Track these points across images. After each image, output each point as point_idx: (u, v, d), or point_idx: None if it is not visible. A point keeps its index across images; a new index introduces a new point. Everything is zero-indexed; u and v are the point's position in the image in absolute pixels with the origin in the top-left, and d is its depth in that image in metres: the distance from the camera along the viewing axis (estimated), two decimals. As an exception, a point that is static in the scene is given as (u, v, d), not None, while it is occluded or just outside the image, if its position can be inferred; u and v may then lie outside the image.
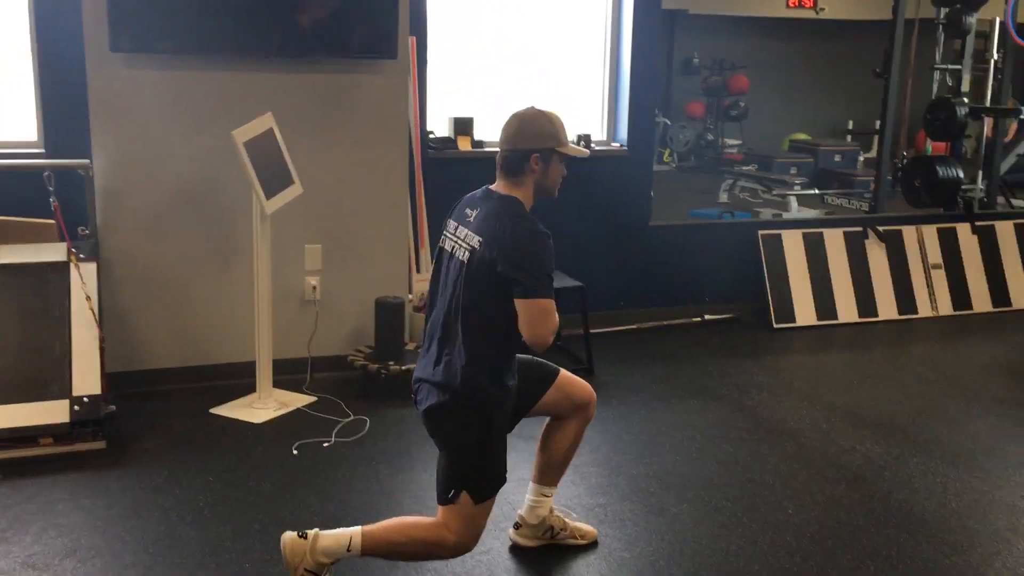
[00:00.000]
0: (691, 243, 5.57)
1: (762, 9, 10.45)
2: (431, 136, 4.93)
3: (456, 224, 2.60)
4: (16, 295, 3.72)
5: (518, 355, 2.61)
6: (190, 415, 3.89)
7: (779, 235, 5.59)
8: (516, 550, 2.91)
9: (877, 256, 5.74)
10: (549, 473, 2.89)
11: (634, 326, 5.26)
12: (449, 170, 4.93)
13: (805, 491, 3.36)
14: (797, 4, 10.37)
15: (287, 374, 4.22)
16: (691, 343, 5.11)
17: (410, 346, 4.41)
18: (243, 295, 4.14)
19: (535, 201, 2.59)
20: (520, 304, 2.42)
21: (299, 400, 4.06)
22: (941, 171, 6.07)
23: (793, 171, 8.89)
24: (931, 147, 7.73)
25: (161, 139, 4.06)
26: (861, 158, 9.82)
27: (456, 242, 2.56)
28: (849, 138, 10.67)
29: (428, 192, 4.81)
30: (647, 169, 5.45)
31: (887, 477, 3.51)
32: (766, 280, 5.47)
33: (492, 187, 2.61)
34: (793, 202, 7.64)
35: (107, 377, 3.69)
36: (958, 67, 6.19)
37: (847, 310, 5.56)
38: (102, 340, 3.68)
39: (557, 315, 2.45)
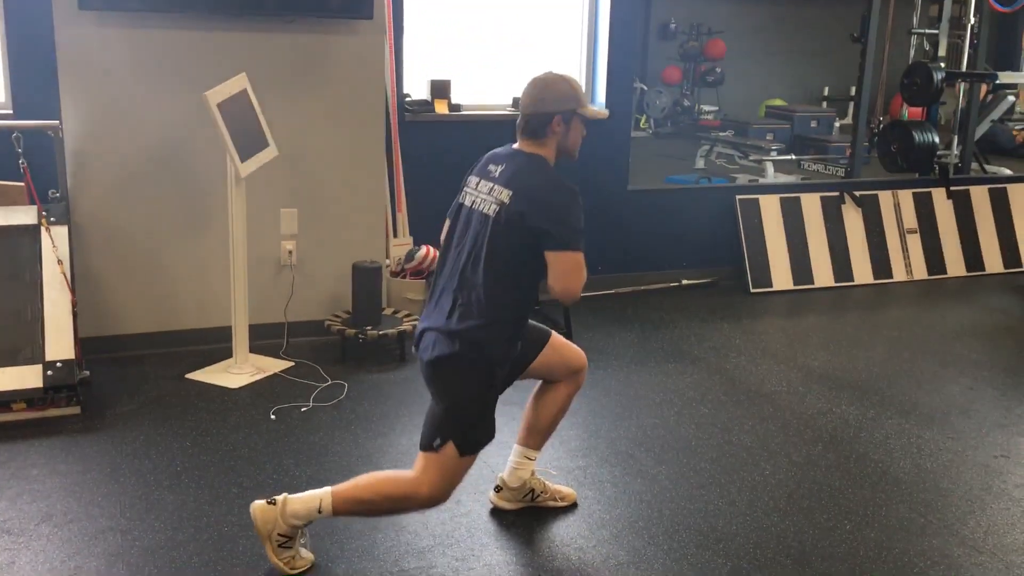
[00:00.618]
0: (669, 208, 5.56)
1: (739, -27, 10.39)
2: (408, 99, 4.87)
3: (479, 179, 2.62)
4: (-15, 259, 3.66)
5: None
6: (165, 380, 3.86)
7: (756, 200, 5.59)
8: (496, 512, 2.91)
9: (853, 221, 5.77)
10: (534, 436, 2.90)
11: (612, 291, 5.26)
12: (426, 133, 4.88)
13: (782, 452, 3.39)
14: (775, -32, 10.31)
15: (264, 339, 4.19)
16: (669, 307, 5.12)
17: (388, 311, 4.38)
18: (218, 259, 4.09)
19: (557, 160, 2.61)
20: (552, 257, 2.46)
21: (276, 365, 4.03)
22: (917, 136, 6.10)
23: (769, 137, 8.89)
24: (907, 112, 7.76)
25: (132, 100, 3.98)
26: (837, 124, 9.83)
27: (480, 197, 2.58)
28: (825, 104, 10.68)
29: (405, 156, 4.76)
30: (625, 134, 5.42)
31: (863, 438, 3.55)
32: (743, 245, 5.48)
33: (515, 145, 2.64)
34: (769, 168, 7.65)
35: (81, 342, 3.64)
36: (935, 32, 6.20)
37: (823, 274, 5.59)
38: (75, 304, 3.63)
39: (585, 269, 2.49)
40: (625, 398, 3.89)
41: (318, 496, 2.52)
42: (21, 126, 3.86)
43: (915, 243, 5.88)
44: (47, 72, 3.93)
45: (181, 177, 4.11)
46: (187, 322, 4.21)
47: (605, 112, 2.76)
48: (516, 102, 5.07)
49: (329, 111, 4.28)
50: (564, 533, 2.83)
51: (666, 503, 3.01)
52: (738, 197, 5.56)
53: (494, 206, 2.52)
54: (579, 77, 5.34)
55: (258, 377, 3.90)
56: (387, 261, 4.62)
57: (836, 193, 5.79)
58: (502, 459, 3.24)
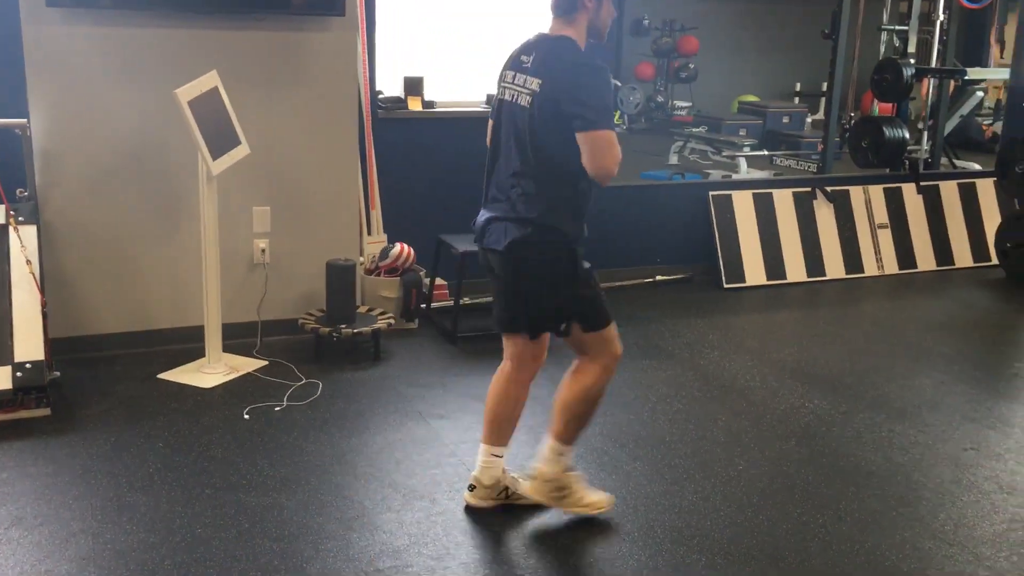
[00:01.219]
0: (642, 204, 5.57)
1: (712, -30, 10.42)
2: (381, 96, 4.85)
3: (513, 73, 2.66)
4: (-49, 259, 3.60)
5: None
6: (137, 381, 3.82)
7: (729, 196, 5.62)
8: (472, 510, 2.90)
9: (825, 216, 5.81)
10: (499, 433, 2.87)
11: (587, 287, 5.26)
12: (400, 130, 4.86)
13: (755, 447, 3.41)
14: (747, -35, 10.35)
15: (236, 338, 4.16)
16: (643, 304, 5.14)
17: (362, 309, 4.36)
18: (190, 258, 4.06)
19: (587, 42, 2.64)
20: (582, 137, 2.50)
21: (249, 364, 4.00)
22: (887, 132, 6.15)
23: (742, 132, 8.93)
24: (878, 108, 7.82)
25: (102, 98, 3.93)
26: (809, 119, 9.89)
27: (516, 89, 2.62)
28: (797, 100, 10.74)
29: (378, 153, 4.74)
30: (599, 130, 5.42)
31: (835, 433, 3.58)
32: (717, 241, 5.51)
33: (542, 31, 2.67)
34: (742, 163, 7.68)
35: (50, 343, 3.60)
36: (905, 28, 6.25)
37: (796, 270, 5.63)
38: (44, 305, 3.58)
39: (618, 146, 2.52)
40: (600, 395, 3.89)
41: (549, 449, 2.78)
42: (-13, 124, 3.81)
43: (886, 238, 5.94)
44: (14, 70, 3.87)
45: (152, 175, 4.07)
46: (159, 322, 4.17)
47: None
48: (489, 99, 5.07)
49: (301, 108, 4.26)
50: (540, 531, 2.83)
51: (640, 499, 3.02)
52: (711, 193, 5.59)
53: (527, 96, 2.57)
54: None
55: (231, 377, 3.88)
56: (361, 259, 4.60)
57: (808, 189, 5.83)
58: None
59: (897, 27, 6.19)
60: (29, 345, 3.44)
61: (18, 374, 3.36)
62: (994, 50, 6.83)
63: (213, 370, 3.90)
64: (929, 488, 3.17)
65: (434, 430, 3.47)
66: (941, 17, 6.59)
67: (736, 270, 5.50)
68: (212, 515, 2.81)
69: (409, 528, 2.79)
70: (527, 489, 2.82)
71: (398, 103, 4.88)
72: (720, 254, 5.49)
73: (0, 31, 3.95)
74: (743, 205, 5.63)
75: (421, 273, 4.62)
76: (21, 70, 3.82)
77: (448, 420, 3.57)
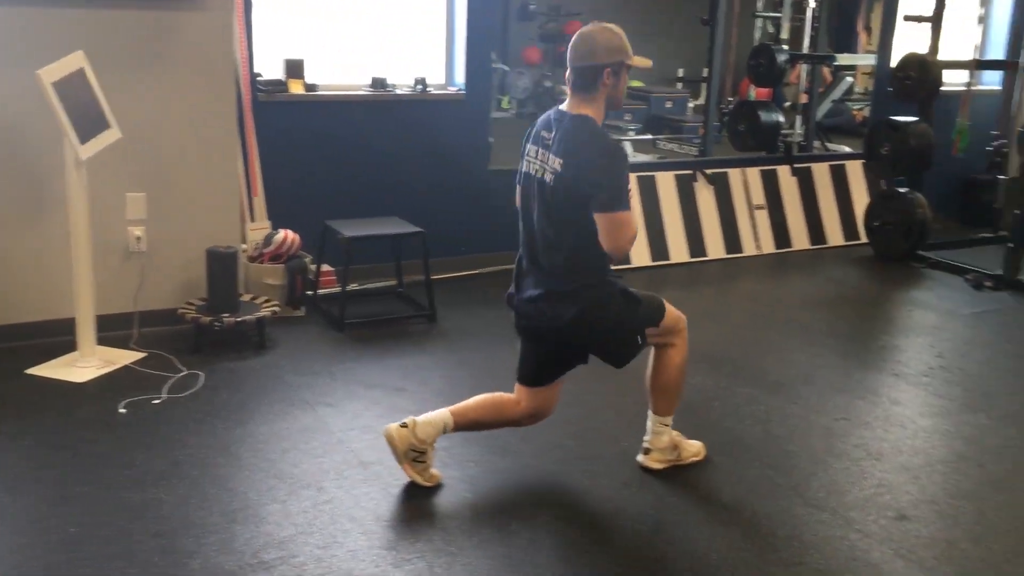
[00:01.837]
0: (530, 188, 5.60)
1: (594, -45, 10.53)
2: (260, 78, 4.73)
3: (536, 148, 2.79)
4: None
5: None
6: (3, 377, 3.63)
7: (614, 179, 5.70)
8: (361, 498, 2.88)
9: (706, 198, 5.97)
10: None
11: (476, 271, 5.27)
12: (282, 114, 4.76)
13: (640, 424, 3.46)
14: (629, -49, 10.50)
15: (112, 330, 4.00)
16: (531, 286, 5.17)
17: (245, 297, 4.26)
18: (59, 247, 3.87)
19: (605, 114, 2.78)
20: (599, 218, 2.66)
21: (126, 357, 3.86)
22: (763, 116, 6.36)
23: (627, 117, 9.09)
24: (755, 94, 8.08)
25: (-44, 79, 3.71)
26: (691, 104, 10.14)
27: (540, 165, 2.77)
28: (680, 85, 10.99)
29: (260, 137, 4.63)
30: (484, 115, 5.43)
31: (716, 407, 3.69)
32: (602, 223, 5.58)
33: (563, 107, 2.77)
34: (628, 147, 7.82)
35: (-95, 340, 3.39)
36: (778, 15, 6.46)
37: (679, 251, 5.77)
38: None
39: (635, 224, 2.72)
40: (490, 377, 3.88)
41: (656, 422, 3.06)
42: None
43: (763, 218, 6.14)
44: None
45: (15, 161, 3.86)
46: (26, 315, 3.97)
47: (649, 61, 2.91)
48: (376, 82, 5.01)
49: (176, 91, 4.11)
50: (429, 515, 2.83)
51: (530, 479, 3.06)
52: (596, 176, 5.66)
53: (550, 174, 2.72)
54: (438, 57, 5.32)
55: (107, 370, 3.73)
56: (244, 246, 4.49)
57: (689, 171, 5.98)
58: (365, 444, 3.23)
59: (771, 14, 6.40)
60: None
61: None
62: (862, 37, 7.13)
63: (87, 364, 3.74)
64: (803, 457, 3.31)
65: (321, 418, 3.42)
66: (812, 5, 6.85)
67: (622, 252, 5.59)
68: (87, 513, 2.70)
69: (295, 518, 2.75)
70: (646, 461, 3.11)
71: (279, 86, 4.77)
72: (606, 236, 5.57)
73: None
74: (627, 188, 5.72)
75: (307, 260, 4.54)
76: None
77: (335, 408, 3.52)
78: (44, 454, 3.06)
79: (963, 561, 2.69)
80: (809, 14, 6.85)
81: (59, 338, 3.87)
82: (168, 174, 4.16)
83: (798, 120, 7.05)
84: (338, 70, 5.06)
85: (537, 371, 2.99)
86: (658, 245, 5.71)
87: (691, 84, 10.77)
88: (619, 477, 3.09)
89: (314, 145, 4.88)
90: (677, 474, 3.12)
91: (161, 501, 2.80)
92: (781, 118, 6.40)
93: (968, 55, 6.19)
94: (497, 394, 3.05)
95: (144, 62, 4.02)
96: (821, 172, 6.45)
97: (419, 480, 2.92)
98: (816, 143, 7.34)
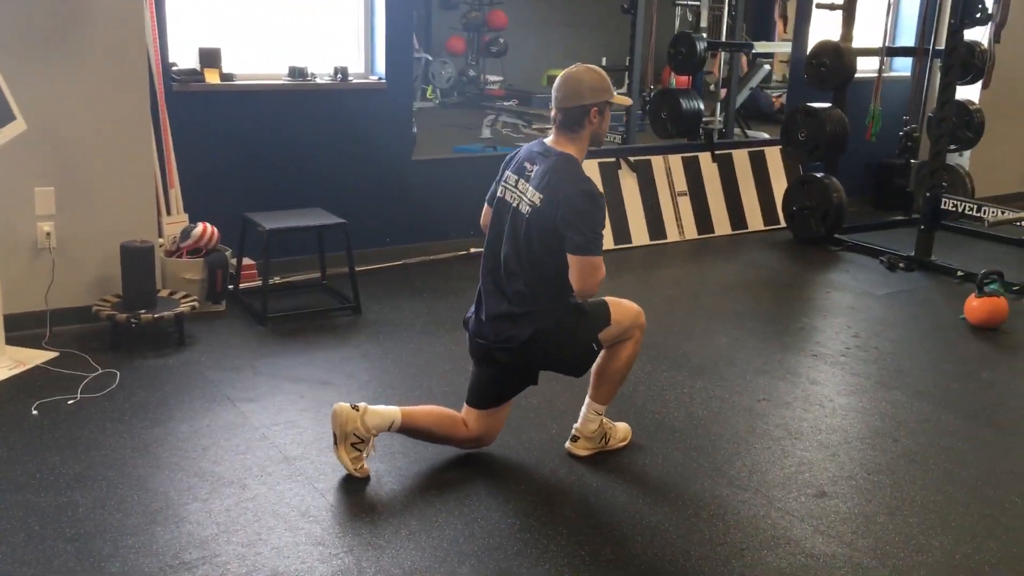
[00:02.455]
0: (454, 177, 5.58)
1: (516, -57, 10.52)
2: (175, 68, 4.61)
3: (516, 178, 2.87)
4: None
5: None
6: (-94, 381, 3.49)
7: (538, 167, 5.71)
8: (285, 494, 2.83)
9: (629, 185, 6.02)
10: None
11: (400, 262, 5.23)
12: (198, 104, 4.64)
13: (567, 410, 3.49)
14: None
15: (22, 330, 3.87)
16: (458, 276, 5.16)
17: (163, 293, 4.15)
18: (-37, 245, 3.72)
19: (586, 152, 2.86)
20: (572, 259, 2.74)
21: (38, 357, 3.73)
22: (684, 104, 6.43)
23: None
24: (676, 81, 8.17)
25: None
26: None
27: (518, 195, 2.84)
28: (603, 74, 11.06)
29: (175, 128, 4.51)
30: (407, 103, 5.39)
31: (641, 391, 3.73)
32: (528, 212, 5.59)
33: (547, 141, 2.86)
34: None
35: None
36: (696, 3, 6.53)
37: (604, 238, 5.79)
38: None
39: (603, 269, 2.78)
40: (415, 368, 3.89)
41: (591, 409, 3.08)
42: None
43: (685, 205, 6.23)
44: None
45: (-88, 155, 3.70)
46: (-70, 316, 3.81)
47: (629, 100, 2.98)
48: (295, 72, 4.92)
49: (86, 80, 3.97)
50: (355, 508, 2.80)
51: (456, 469, 3.05)
52: (521, 165, 5.66)
53: (527, 207, 2.79)
54: (357, 46, 5.25)
55: (17, 371, 3.60)
56: (160, 240, 4.37)
57: (613, 159, 6.02)
58: (289, 439, 3.18)
59: (690, 2, 6.47)
60: None
61: None
62: (778, 25, 7.27)
63: (-4, 365, 3.61)
64: (726, 438, 3.37)
65: (243, 414, 3.35)
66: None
67: (547, 240, 5.61)
68: (-3, 520, 2.60)
69: (217, 517, 2.69)
70: (573, 448, 3.12)
71: (194, 75, 4.65)
72: (531, 225, 5.58)
73: None
74: (552, 176, 5.74)
75: (227, 253, 4.45)
76: None
77: (258, 403, 3.46)
78: (-50, 460, 2.94)
79: (880, 534, 2.77)
80: (727, 2, 6.95)
81: (-35, 339, 3.72)
82: (78, 167, 4.03)
83: (718, 107, 7.16)
84: (255, 59, 4.95)
85: (488, 393, 3.01)
86: (583, 233, 5.73)
87: (614, 72, 10.84)
88: (548, 464, 3.10)
89: (232, 136, 4.78)
90: (604, 459, 3.15)
91: (76, 504, 2.71)
92: (701, 105, 6.49)
93: (879, 42, 6.35)
94: (450, 411, 3.05)
95: (51, 51, 3.87)
96: (741, 158, 6.57)
97: (349, 467, 2.89)
98: (736, 130, 7.46)
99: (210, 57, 4.69)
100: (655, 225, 6.05)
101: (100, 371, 3.63)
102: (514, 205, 2.85)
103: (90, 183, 4.06)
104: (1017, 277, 5.19)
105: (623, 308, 3.04)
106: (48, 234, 3.98)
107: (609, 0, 10.04)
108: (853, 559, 2.64)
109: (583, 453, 3.13)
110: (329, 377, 3.73)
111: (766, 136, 7.65)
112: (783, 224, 6.43)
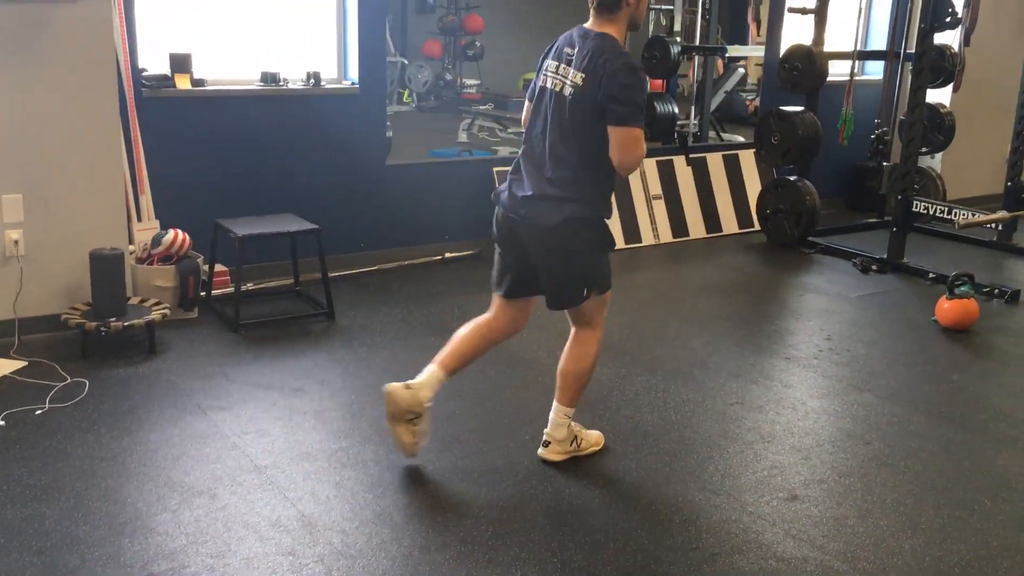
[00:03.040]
0: (430, 182, 5.57)
1: (493, -53, 10.53)
2: (145, 73, 4.57)
3: (557, 63, 2.92)
4: None
5: None
6: None
7: (513, 172, 5.71)
8: (255, 504, 2.81)
9: (605, 189, 6.02)
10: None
11: (375, 267, 5.21)
12: (168, 110, 4.61)
13: (540, 416, 3.47)
14: (526, -56, 10.52)
15: (-10, 339, 3.83)
16: (432, 281, 5.15)
17: (134, 300, 4.12)
18: (-72, 254, 3.68)
19: (626, 35, 2.93)
20: (613, 131, 2.78)
21: (5, 366, 3.69)
22: (659, 107, 6.44)
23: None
24: (650, 85, 8.18)
25: None
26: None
27: (560, 80, 2.88)
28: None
29: (146, 134, 4.47)
30: (380, 108, 5.37)
31: (615, 396, 3.73)
32: (503, 216, 5.59)
33: (586, 25, 2.91)
34: (528, 140, 7.84)
35: None
36: (670, 7, 6.55)
37: (579, 242, 5.81)
38: None
39: (644, 144, 2.84)
40: (390, 374, 3.85)
41: (560, 412, 3.09)
42: None
43: (660, 208, 6.24)
44: None
45: None
46: None
47: None
48: (267, 77, 4.89)
49: (54, 86, 3.93)
50: (326, 517, 2.78)
51: (428, 476, 3.04)
52: (495, 169, 5.67)
53: (570, 88, 2.84)
54: (331, 51, 5.23)
55: (-16, 381, 3.56)
56: (131, 247, 4.34)
57: (588, 163, 6.02)
58: (261, 448, 3.16)
59: (664, 6, 6.49)
60: None
61: None
62: (752, 29, 7.30)
63: (-38, 375, 3.57)
64: (699, 443, 3.37)
65: (214, 423, 3.33)
66: (702, -3, 6.96)
67: (522, 244, 5.61)
68: (-39, 534, 2.57)
69: (187, 527, 2.66)
70: (546, 454, 3.13)
71: (165, 81, 4.61)
72: (506, 229, 5.58)
73: None
74: (527, 180, 5.74)
75: (199, 260, 4.42)
76: None
77: (230, 412, 3.43)
78: (-86, 473, 2.90)
79: (851, 537, 2.78)
80: (701, 6, 6.97)
81: (-69, 349, 3.68)
82: (47, 174, 3.98)
83: (693, 111, 7.18)
84: (227, 65, 4.92)
85: (510, 280, 3.08)
86: (558, 237, 5.74)
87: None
88: (520, 470, 3.10)
89: (204, 142, 4.74)
90: (577, 465, 3.15)
91: (43, 516, 2.68)
92: (676, 109, 6.50)
93: (851, 46, 6.40)
94: (473, 325, 3.14)
95: (18, 56, 3.83)
96: (715, 162, 6.59)
97: (405, 443, 3.01)
98: (711, 133, 7.49)
99: (181, 62, 4.65)
100: (630, 229, 6.06)
101: (69, 380, 3.59)
102: (556, 90, 2.89)
103: (59, 190, 4.02)
104: (988, 279, 5.24)
105: (606, 305, 3.13)
106: (16, 242, 3.94)
107: (580, 3, 10.12)
108: (824, 563, 2.65)
109: (555, 458, 3.13)
110: (302, 384, 3.70)
111: (741, 139, 7.68)
112: (757, 227, 6.46)
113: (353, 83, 5.19)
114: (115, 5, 4.19)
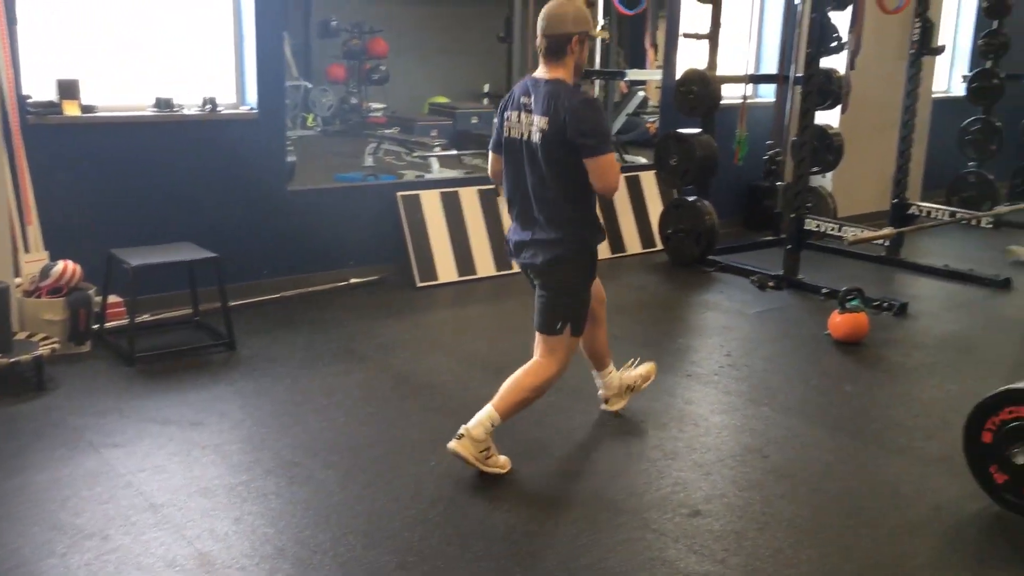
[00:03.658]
0: (333, 207, 5.52)
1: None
2: (30, 100, 4.41)
3: (518, 113, 3.14)
4: None
5: None
6: None
7: (417, 195, 5.71)
8: (150, 543, 2.71)
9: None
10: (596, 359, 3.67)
11: (278, 295, 5.12)
12: (57, 138, 4.46)
13: (448, 440, 3.48)
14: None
15: None
16: (337, 307, 5.09)
17: (21, 335, 3.95)
18: None
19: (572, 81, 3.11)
20: (589, 163, 3.03)
21: None
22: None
23: (434, 133, 9.12)
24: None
25: None
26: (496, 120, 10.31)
27: (525, 128, 3.10)
28: (486, 100, 11.15)
29: (32, 162, 4.32)
30: (280, 132, 5.30)
31: (522, 417, 3.69)
32: (407, 240, 5.58)
33: (536, 75, 3.13)
34: (435, 163, 7.84)
35: None
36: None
37: (485, 265, 5.83)
38: None
39: (618, 166, 3.11)
40: (292, 404, 3.81)
41: (487, 415, 3.14)
42: None
43: (565, 230, 6.29)
44: None
45: None
46: None
47: (607, 33, 3.28)
48: (161, 103, 4.78)
49: (-71, 115, 3.77)
50: (225, 555, 2.70)
51: (333, 508, 2.99)
52: (399, 194, 5.65)
53: (537, 133, 3.06)
54: (228, 76, 5.15)
55: None
56: (18, 280, 4.17)
57: (493, 187, 6.05)
58: (157, 485, 3.07)
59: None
60: None
61: None
62: (649, 53, 7.47)
63: None
64: (604, 462, 3.41)
65: (107, 461, 3.21)
66: (603, 22, 7.11)
67: (428, 268, 5.61)
68: None
69: (76, 572, 2.56)
70: (456, 446, 3.14)
71: (51, 108, 4.46)
72: (412, 253, 5.57)
73: None
74: (431, 204, 5.75)
75: (91, 291, 4.27)
76: None
77: (124, 448, 3.32)
78: None
79: (751, 550, 2.84)
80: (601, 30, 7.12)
81: None
82: (-76, 206, 3.81)
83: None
84: (119, 90, 4.80)
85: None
86: (464, 260, 5.76)
87: (496, 99, 10.94)
88: (427, 496, 3.07)
89: (95, 170, 4.60)
90: (484, 487, 3.14)
91: (-81, 568, 2.54)
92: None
93: (743, 70, 6.60)
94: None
95: None
96: (619, 183, 6.68)
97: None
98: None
99: (68, 88, 4.51)
100: (536, 251, 6.09)
101: (-50, 421, 3.42)
102: (524, 138, 3.11)
103: (-63, 222, 3.84)
104: (877, 293, 5.45)
105: (573, 350, 3.32)
106: None
107: (488, 28, 10.18)
108: (725, 577, 2.70)
109: (463, 452, 3.14)
110: (200, 417, 3.61)
111: (643, 161, 7.83)
112: (660, 247, 6.58)
113: (252, 108, 5.11)
114: (-3, 30, 4.05)
